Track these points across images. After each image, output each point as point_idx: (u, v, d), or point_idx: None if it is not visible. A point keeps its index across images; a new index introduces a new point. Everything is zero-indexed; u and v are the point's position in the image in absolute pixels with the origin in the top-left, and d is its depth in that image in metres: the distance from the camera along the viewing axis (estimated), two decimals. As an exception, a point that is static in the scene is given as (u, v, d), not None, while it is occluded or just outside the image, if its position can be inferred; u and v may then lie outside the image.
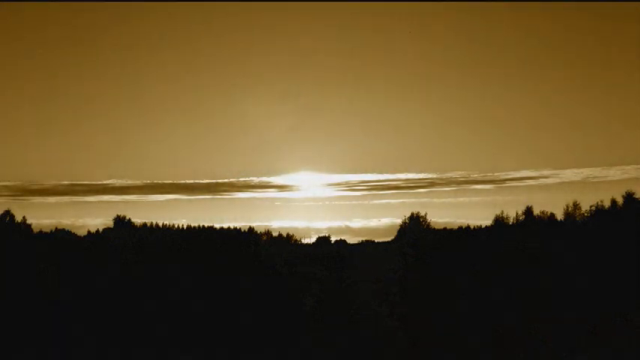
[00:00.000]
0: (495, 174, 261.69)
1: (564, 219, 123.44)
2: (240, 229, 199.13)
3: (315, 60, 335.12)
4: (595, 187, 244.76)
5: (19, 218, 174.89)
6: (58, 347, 22.81)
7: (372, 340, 23.65)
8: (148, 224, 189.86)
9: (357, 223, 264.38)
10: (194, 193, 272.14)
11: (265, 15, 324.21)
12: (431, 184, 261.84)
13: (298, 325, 28.83)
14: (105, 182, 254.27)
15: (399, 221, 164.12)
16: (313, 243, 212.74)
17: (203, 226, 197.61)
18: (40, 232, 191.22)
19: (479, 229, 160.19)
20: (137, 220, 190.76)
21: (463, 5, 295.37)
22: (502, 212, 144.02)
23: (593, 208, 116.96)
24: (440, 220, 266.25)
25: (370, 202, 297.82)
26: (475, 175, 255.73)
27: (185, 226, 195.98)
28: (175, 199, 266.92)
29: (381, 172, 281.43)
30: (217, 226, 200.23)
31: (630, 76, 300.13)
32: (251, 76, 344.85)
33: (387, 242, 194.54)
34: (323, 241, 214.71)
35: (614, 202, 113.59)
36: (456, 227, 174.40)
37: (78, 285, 52.53)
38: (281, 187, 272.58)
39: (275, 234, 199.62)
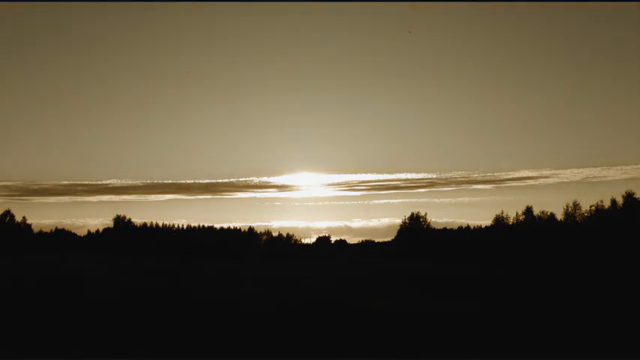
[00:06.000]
0: (495, 174, 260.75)
1: (564, 219, 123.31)
2: (240, 229, 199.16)
3: (315, 60, 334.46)
4: (595, 187, 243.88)
5: (19, 218, 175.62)
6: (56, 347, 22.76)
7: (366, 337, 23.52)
8: (148, 224, 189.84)
9: (357, 223, 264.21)
10: (194, 193, 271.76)
11: (265, 16, 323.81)
12: (431, 184, 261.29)
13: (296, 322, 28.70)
14: (105, 182, 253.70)
15: (399, 221, 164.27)
16: (313, 243, 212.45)
17: (203, 226, 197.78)
18: (40, 232, 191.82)
19: (479, 229, 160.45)
20: (137, 220, 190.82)
21: (463, 5, 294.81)
22: (502, 212, 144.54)
23: (593, 208, 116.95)
24: (440, 220, 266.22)
25: (370, 202, 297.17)
26: (475, 175, 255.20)
27: (185, 226, 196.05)
28: (175, 199, 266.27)
29: (381, 172, 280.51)
30: (217, 226, 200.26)
31: (630, 76, 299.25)
32: (251, 77, 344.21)
33: (387, 242, 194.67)
34: (323, 241, 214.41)
35: (614, 202, 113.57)
36: (455, 227, 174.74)
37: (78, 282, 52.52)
38: (281, 187, 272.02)
39: (275, 234, 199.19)
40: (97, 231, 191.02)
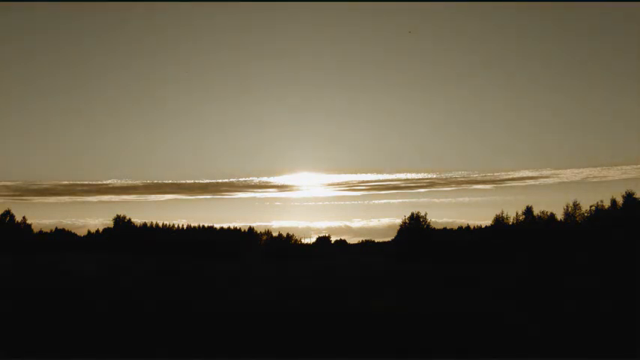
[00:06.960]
0: (495, 174, 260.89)
1: (564, 219, 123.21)
2: (240, 229, 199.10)
3: (315, 60, 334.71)
4: (595, 187, 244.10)
5: (19, 218, 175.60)
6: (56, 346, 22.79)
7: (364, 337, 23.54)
8: (148, 224, 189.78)
9: (357, 223, 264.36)
10: (194, 193, 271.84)
11: (265, 15, 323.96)
12: (431, 184, 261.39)
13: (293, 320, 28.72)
14: (105, 182, 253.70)
15: (399, 221, 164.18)
16: (313, 243, 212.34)
17: (203, 226, 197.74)
18: (40, 232, 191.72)
19: (479, 229, 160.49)
20: (137, 220, 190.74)
21: (463, 5, 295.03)
22: (502, 212, 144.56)
23: (593, 208, 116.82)
24: (440, 220, 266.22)
25: (370, 202, 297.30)
26: (475, 175, 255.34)
27: (185, 226, 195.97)
28: (175, 199, 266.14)
29: (381, 172, 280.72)
30: (217, 226, 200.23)
31: (630, 76, 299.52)
32: (251, 76, 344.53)
33: (387, 242, 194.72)
34: (323, 241, 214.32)
35: (614, 202, 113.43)
36: (455, 227, 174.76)
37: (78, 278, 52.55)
38: (281, 187, 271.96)
39: (275, 234, 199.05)
40: (97, 231, 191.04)
